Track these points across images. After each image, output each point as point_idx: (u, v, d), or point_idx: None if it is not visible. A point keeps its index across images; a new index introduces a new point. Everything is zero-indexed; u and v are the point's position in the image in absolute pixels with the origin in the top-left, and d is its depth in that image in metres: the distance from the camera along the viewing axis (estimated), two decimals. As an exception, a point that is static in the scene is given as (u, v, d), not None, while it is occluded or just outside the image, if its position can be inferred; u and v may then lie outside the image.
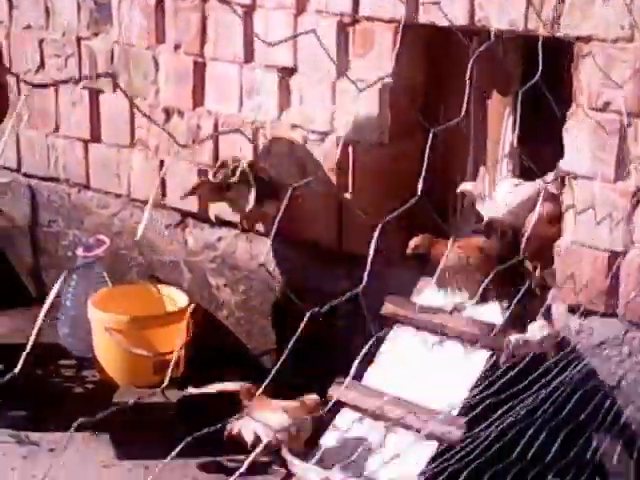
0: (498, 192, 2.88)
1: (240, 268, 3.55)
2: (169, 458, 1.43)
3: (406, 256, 2.85)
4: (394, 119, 3.06)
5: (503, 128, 3.04)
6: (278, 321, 3.45)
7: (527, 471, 2.19)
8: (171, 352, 3.40)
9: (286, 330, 3.37)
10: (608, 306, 2.63)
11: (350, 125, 3.09)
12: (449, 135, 3.15)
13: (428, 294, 2.93)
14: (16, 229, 4.19)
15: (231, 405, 2.73)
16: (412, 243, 2.78)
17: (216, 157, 3.48)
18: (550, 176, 2.77)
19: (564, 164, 2.70)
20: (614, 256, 2.61)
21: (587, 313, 2.67)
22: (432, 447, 2.54)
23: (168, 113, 3.57)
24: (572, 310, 2.68)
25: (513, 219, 2.79)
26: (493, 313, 2.79)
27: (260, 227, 3.43)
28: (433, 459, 2.50)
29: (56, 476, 2.89)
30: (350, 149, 3.13)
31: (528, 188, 2.83)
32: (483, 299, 2.76)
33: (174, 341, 3.44)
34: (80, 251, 3.73)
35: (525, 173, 2.95)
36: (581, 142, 2.63)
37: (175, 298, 3.62)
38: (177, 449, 1.30)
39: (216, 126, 3.44)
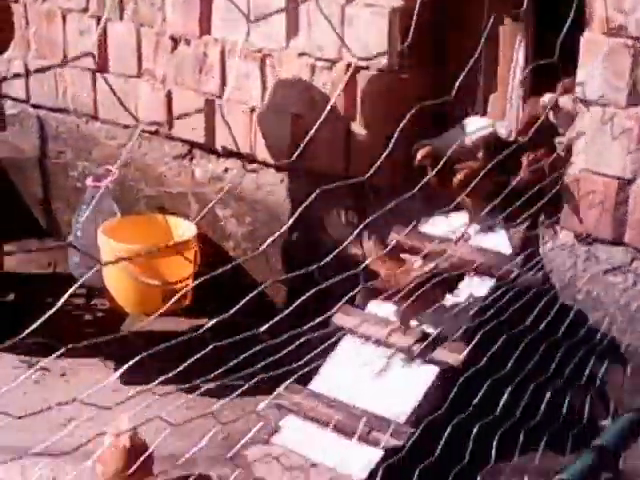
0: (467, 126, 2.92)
1: (246, 199, 3.54)
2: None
3: (412, 176, 2.83)
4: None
5: (514, 55, 2.98)
6: (284, 252, 3.45)
7: (524, 388, 2.18)
8: (179, 281, 3.43)
9: (292, 261, 3.38)
10: (615, 234, 2.61)
11: (359, 52, 3.04)
12: (460, 62, 3.09)
13: (434, 223, 2.92)
14: (25, 161, 4.19)
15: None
16: (419, 155, 2.77)
17: (223, 87, 3.44)
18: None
19: (576, 90, 2.65)
20: (623, 183, 2.58)
21: (594, 241, 2.65)
22: (433, 372, 2.56)
23: (175, 41, 3.53)
24: (579, 237, 2.66)
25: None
26: (500, 242, 2.78)
27: (267, 157, 3.41)
28: (434, 384, 2.52)
29: (67, 400, 2.94)
30: (359, 76, 3.08)
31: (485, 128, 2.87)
32: (490, 226, 2.76)
33: (182, 271, 3.47)
34: (89, 181, 3.73)
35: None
36: (594, 67, 2.58)
37: (183, 228, 3.63)
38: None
39: (223, 54, 3.40)
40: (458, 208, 2.85)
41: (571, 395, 2.12)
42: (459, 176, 2.73)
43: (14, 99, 4.18)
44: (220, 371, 1.98)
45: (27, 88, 4.12)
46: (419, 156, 2.78)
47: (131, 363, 1.68)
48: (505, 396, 1.94)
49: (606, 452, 1.05)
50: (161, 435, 2.54)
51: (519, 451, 1.84)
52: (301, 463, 2.52)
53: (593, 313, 2.66)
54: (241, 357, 1.95)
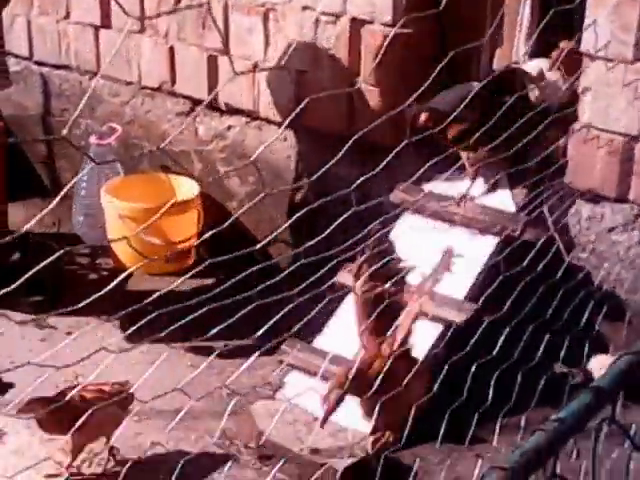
0: None
1: (249, 157, 3.51)
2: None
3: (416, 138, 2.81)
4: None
5: (521, 10, 2.93)
6: (289, 212, 3.44)
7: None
8: (183, 241, 3.43)
9: (297, 222, 3.36)
10: (620, 191, 2.59)
11: (364, 5, 2.99)
12: (466, 16, 3.05)
13: (438, 182, 2.90)
14: (29, 118, 4.17)
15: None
16: (422, 117, 2.74)
17: (227, 43, 3.39)
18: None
19: (583, 44, 2.60)
20: (629, 140, 2.55)
21: (598, 199, 2.63)
22: (437, 329, 2.57)
23: (178, -5, 3.48)
24: (584, 195, 2.64)
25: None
26: (504, 200, 2.76)
27: (270, 114, 3.38)
28: (438, 341, 2.53)
29: (74, 358, 2.96)
30: (363, 31, 3.04)
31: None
32: (493, 187, 2.74)
33: (186, 230, 3.47)
34: (93, 139, 3.71)
35: (541, 55, 2.85)
36: (600, 21, 2.53)
37: (186, 187, 3.61)
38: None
39: (226, 9, 3.35)
40: (461, 167, 2.84)
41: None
42: (452, 131, 2.70)
43: (17, 56, 4.14)
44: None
45: (30, 45, 4.08)
46: (423, 118, 2.76)
47: (142, 322, 1.68)
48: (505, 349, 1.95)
49: (603, 392, 1.05)
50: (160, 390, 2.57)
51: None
52: (305, 417, 2.55)
53: (597, 271, 2.65)
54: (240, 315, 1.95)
